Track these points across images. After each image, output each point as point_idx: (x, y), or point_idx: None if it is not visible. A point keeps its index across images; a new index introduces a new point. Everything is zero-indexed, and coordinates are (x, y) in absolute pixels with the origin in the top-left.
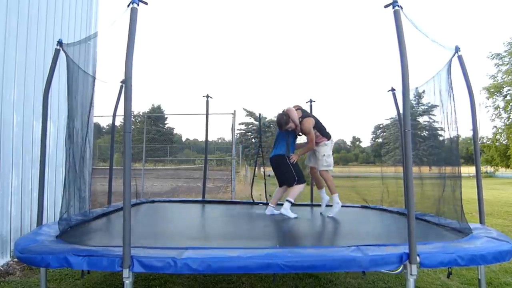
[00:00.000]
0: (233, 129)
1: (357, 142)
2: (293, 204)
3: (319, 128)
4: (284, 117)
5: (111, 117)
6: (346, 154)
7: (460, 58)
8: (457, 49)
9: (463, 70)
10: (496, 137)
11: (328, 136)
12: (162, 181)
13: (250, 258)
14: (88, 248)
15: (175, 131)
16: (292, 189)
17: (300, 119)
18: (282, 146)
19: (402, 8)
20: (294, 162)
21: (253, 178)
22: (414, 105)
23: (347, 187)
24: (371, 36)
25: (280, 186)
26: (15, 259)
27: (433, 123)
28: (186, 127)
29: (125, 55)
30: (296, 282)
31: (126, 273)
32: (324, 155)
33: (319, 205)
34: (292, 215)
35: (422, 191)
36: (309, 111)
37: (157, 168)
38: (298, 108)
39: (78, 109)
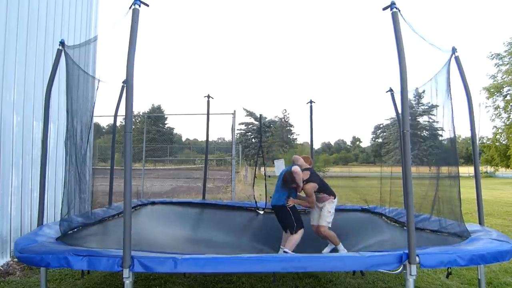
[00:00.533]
0: (233, 129)
1: (357, 142)
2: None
3: (324, 188)
4: (290, 176)
5: (111, 117)
6: (346, 154)
7: (457, 59)
8: (453, 51)
9: (460, 70)
10: (496, 137)
11: (334, 194)
12: (162, 181)
13: (250, 258)
14: (88, 249)
15: (175, 131)
16: (291, 238)
17: (305, 182)
18: (282, 196)
19: (399, 10)
20: (291, 206)
21: (254, 179)
22: (414, 105)
23: (347, 187)
24: (371, 37)
25: (285, 231)
26: (15, 259)
27: (433, 123)
28: (186, 127)
29: (127, 55)
30: (296, 282)
31: (126, 273)
32: (330, 211)
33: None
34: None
35: (422, 192)
36: (309, 112)
37: (157, 168)
38: (307, 168)
39: (79, 109)
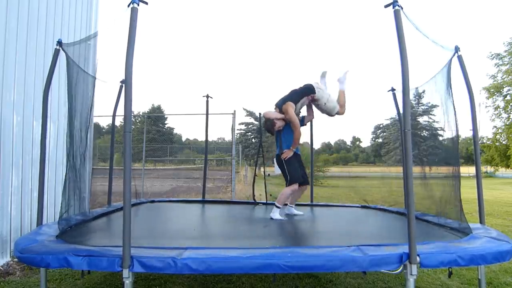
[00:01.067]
0: (233, 129)
1: (357, 142)
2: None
3: (302, 91)
4: (267, 122)
5: (111, 117)
6: (346, 154)
7: (460, 58)
8: (456, 49)
9: (462, 70)
10: (496, 137)
11: (312, 92)
12: (162, 181)
13: (250, 258)
14: (88, 248)
15: (175, 131)
16: (282, 192)
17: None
18: (278, 145)
19: (402, 8)
20: (285, 158)
21: (254, 178)
22: (414, 105)
23: (347, 187)
24: (371, 36)
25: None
26: (15, 259)
27: (433, 123)
28: (186, 127)
29: (125, 55)
30: (296, 282)
31: (126, 273)
32: (325, 103)
33: (319, 205)
34: (279, 218)
35: (422, 191)
36: None
37: (157, 168)
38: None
39: (78, 108)
